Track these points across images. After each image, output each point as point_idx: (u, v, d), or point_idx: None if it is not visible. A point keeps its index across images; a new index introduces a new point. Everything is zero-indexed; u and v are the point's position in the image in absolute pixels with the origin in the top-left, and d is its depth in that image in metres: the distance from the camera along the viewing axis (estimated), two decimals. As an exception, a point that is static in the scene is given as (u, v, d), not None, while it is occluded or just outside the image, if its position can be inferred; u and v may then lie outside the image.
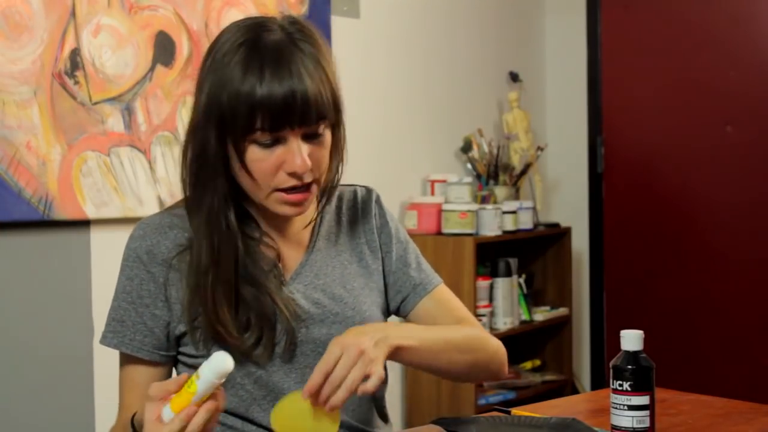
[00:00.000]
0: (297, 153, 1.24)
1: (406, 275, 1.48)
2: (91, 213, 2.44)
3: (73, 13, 2.40)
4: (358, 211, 1.48)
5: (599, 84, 3.94)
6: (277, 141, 1.24)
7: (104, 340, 1.35)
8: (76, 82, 2.40)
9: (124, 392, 1.35)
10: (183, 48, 2.63)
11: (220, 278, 1.29)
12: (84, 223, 2.45)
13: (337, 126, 1.32)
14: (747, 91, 3.53)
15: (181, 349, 1.35)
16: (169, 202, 2.58)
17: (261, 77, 1.21)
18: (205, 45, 2.67)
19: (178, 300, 1.33)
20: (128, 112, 2.51)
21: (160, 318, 1.33)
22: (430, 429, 1.42)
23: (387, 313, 1.49)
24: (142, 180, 2.54)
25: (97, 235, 2.48)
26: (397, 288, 1.48)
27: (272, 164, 1.25)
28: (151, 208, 2.55)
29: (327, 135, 1.29)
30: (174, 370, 1.39)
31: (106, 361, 2.46)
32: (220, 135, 1.25)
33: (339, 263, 1.42)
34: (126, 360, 1.36)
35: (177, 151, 2.60)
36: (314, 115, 1.24)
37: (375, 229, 1.47)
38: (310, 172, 1.27)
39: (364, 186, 1.52)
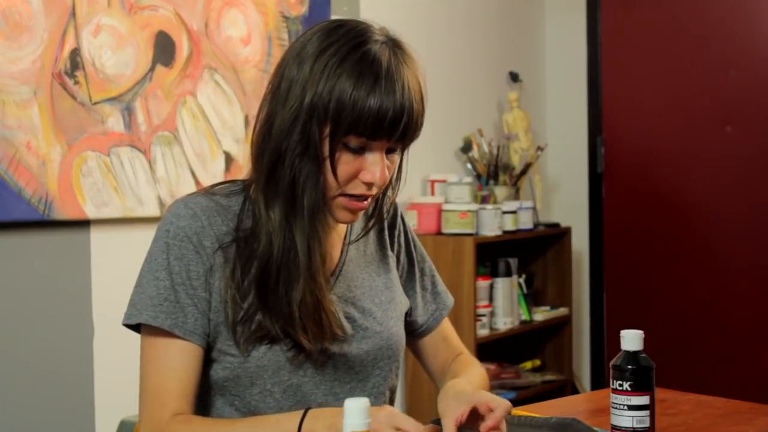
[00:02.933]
0: (379, 165, 1.28)
1: (424, 301, 1.55)
2: (91, 213, 2.44)
3: (73, 13, 2.40)
4: (384, 222, 1.51)
5: (599, 84, 3.94)
6: (363, 149, 1.28)
7: (155, 320, 1.27)
8: (76, 82, 2.40)
9: (163, 377, 1.27)
10: (183, 48, 2.63)
11: (294, 274, 1.29)
12: (84, 223, 2.45)
13: (406, 147, 1.36)
14: (747, 91, 3.53)
15: (213, 344, 1.31)
16: (169, 202, 2.57)
17: (374, 89, 1.24)
18: (205, 45, 2.67)
19: (218, 290, 1.30)
20: (128, 112, 2.51)
21: (207, 301, 1.30)
22: (430, 429, 1.42)
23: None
24: (142, 180, 2.54)
25: (97, 235, 2.48)
26: (416, 312, 1.54)
27: (354, 169, 1.28)
28: (151, 208, 2.55)
29: (399, 153, 1.33)
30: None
31: (106, 361, 2.46)
32: (322, 130, 1.26)
33: (368, 275, 1.44)
34: (168, 343, 1.28)
35: (177, 151, 2.61)
36: (411, 133, 1.29)
37: (397, 247, 1.53)
38: (378, 187, 1.31)
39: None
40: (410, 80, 1.28)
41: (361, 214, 1.36)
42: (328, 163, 1.27)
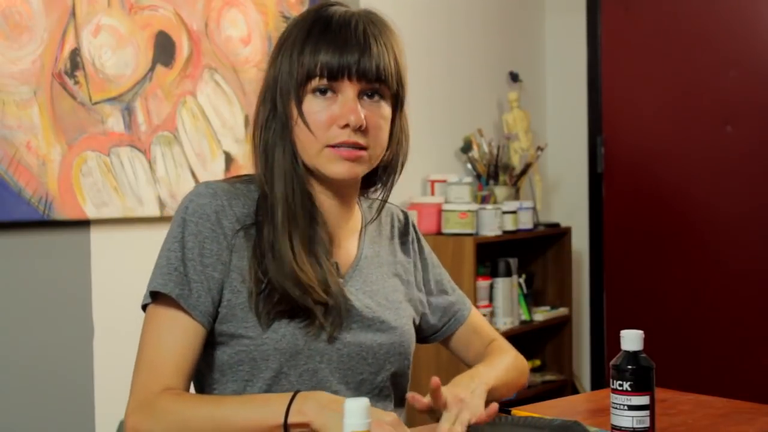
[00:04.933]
0: (351, 105, 1.29)
1: (445, 302, 1.57)
2: (91, 213, 2.44)
3: (73, 13, 2.40)
4: (395, 230, 1.53)
5: (599, 84, 3.94)
6: (333, 92, 1.30)
7: (164, 287, 1.27)
8: (76, 82, 2.40)
9: (163, 351, 1.26)
10: (183, 48, 2.63)
11: (299, 234, 1.31)
12: (84, 223, 2.45)
13: (399, 104, 1.37)
14: (747, 91, 3.53)
15: (224, 327, 1.30)
16: (169, 202, 2.58)
17: (325, 32, 1.29)
18: (205, 45, 2.67)
19: (239, 270, 1.31)
20: (128, 112, 2.51)
21: (218, 281, 1.30)
22: (431, 428, 1.42)
23: (416, 333, 1.52)
24: (142, 180, 2.54)
25: (97, 235, 2.48)
26: (437, 314, 1.56)
27: (327, 116, 1.30)
28: (151, 208, 2.55)
29: (385, 105, 1.34)
30: (213, 353, 1.34)
31: (106, 361, 2.46)
32: (284, 92, 1.31)
33: (381, 275, 1.46)
34: (173, 317, 1.28)
35: (177, 151, 2.61)
36: (373, 71, 1.30)
37: (413, 254, 1.54)
38: (362, 134, 1.31)
39: (399, 207, 1.60)
40: (372, 31, 1.31)
41: (360, 168, 1.34)
42: (300, 120, 1.30)
